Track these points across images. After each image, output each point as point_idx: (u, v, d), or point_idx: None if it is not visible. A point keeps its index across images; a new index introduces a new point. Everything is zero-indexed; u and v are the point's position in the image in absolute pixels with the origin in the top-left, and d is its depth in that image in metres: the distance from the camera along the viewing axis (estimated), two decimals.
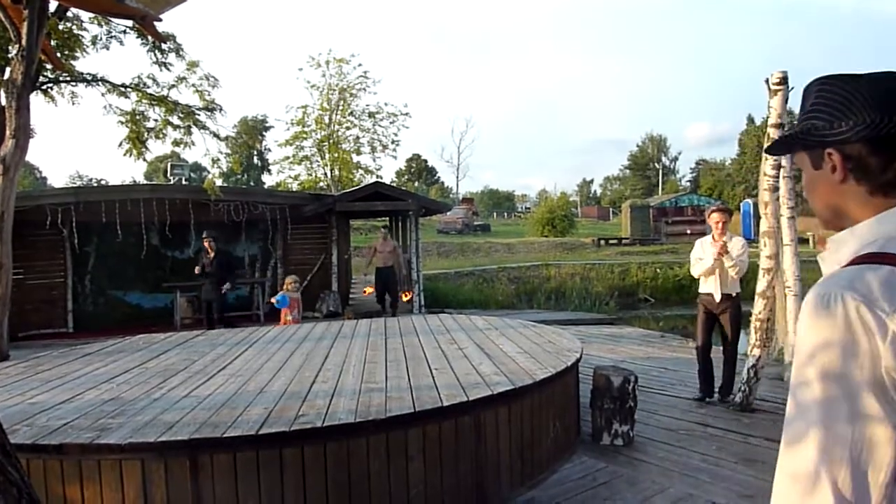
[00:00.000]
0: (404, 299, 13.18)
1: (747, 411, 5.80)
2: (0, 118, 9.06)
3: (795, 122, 1.12)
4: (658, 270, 22.83)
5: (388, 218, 20.64)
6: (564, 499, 4.01)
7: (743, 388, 5.88)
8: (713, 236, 5.99)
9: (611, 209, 67.77)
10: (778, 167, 5.88)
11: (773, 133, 5.76)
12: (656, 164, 77.02)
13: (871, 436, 0.88)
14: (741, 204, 38.66)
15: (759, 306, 5.89)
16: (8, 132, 7.68)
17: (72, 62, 11.55)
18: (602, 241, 34.32)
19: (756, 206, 31.31)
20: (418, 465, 3.58)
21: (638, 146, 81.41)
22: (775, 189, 5.89)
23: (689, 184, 72.06)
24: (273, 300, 9.62)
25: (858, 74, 1.04)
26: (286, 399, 3.95)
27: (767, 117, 5.93)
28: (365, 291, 13.45)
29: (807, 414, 0.92)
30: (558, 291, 20.69)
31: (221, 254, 11.17)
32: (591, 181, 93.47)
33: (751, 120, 56.84)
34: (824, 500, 0.88)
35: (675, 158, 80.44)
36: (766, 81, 5.80)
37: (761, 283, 5.90)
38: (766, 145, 4.97)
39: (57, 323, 13.12)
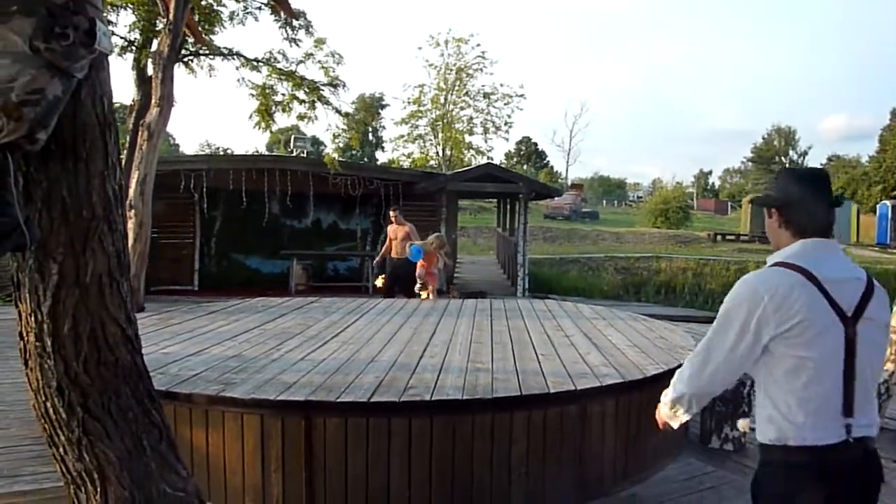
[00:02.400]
0: (423, 296, 10.05)
1: None
2: (147, 88, 9.77)
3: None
4: None
5: (496, 200, 20.62)
6: (668, 499, 3.90)
7: None
8: None
9: (729, 203, 64.47)
10: None
11: None
12: (783, 158, 72.39)
13: (738, 335, 1.78)
14: (878, 206, 35.78)
15: None
16: (153, 101, 8.29)
17: (211, 36, 12.24)
18: (718, 236, 32.80)
19: (895, 208, 28.96)
20: (521, 448, 3.59)
21: (763, 138, 76.73)
22: None
23: None
24: (407, 249, 9.06)
25: (790, 168, 2.25)
26: (396, 370, 4.06)
27: None
28: (376, 285, 10.88)
29: (713, 330, 1.86)
30: (668, 286, 20.02)
31: None
32: (710, 172, 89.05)
33: (895, 114, 52.16)
34: (699, 364, 1.88)
35: (805, 153, 75.20)
36: None
37: None
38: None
39: (184, 280, 14.08)
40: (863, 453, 1.77)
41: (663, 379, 4.24)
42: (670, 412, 2.00)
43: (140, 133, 8.42)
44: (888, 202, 33.24)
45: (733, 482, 4.19)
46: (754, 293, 1.77)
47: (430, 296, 9.12)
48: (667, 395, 2.02)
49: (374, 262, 10.43)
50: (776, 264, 1.85)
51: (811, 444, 1.72)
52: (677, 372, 1.99)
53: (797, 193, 1.89)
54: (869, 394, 1.80)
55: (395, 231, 10.11)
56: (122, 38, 11.98)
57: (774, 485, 1.80)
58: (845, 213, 35.49)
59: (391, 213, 10.26)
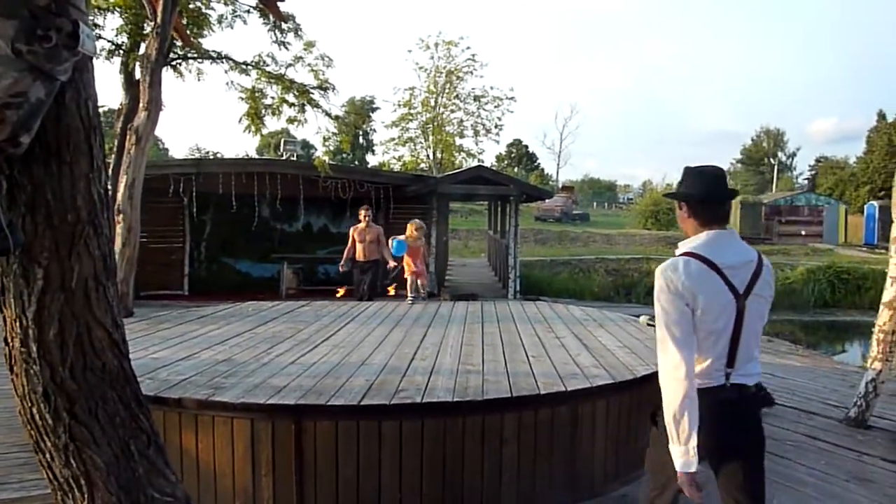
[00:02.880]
0: (391, 292, 10.06)
1: (862, 427, 5.42)
2: (134, 91, 9.73)
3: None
4: None
5: (487, 202, 20.64)
6: None
7: (859, 402, 5.50)
8: None
9: None
10: None
11: None
12: (771, 160, 72.83)
13: (679, 314, 2.17)
14: (865, 206, 36.03)
15: (884, 317, 5.47)
16: (141, 104, 8.24)
17: (199, 40, 12.21)
18: None
19: (882, 209, 29.19)
20: (512, 449, 3.59)
21: (752, 140, 77.18)
22: None
23: (805, 182, 67.79)
24: (389, 243, 8.87)
25: (694, 167, 2.39)
26: (386, 373, 4.05)
27: None
28: (337, 293, 10.52)
29: (659, 317, 2.21)
30: None
31: None
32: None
33: (882, 116, 52.57)
34: (671, 346, 2.16)
35: (793, 154, 75.72)
36: None
37: (888, 293, 5.47)
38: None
39: (174, 285, 14.02)
40: (738, 395, 2.27)
41: (654, 379, 4.25)
42: (681, 442, 2.14)
43: (128, 137, 8.37)
44: (875, 203, 33.44)
45: None
46: (670, 280, 2.19)
47: (421, 291, 9.04)
48: (670, 415, 2.16)
49: (340, 265, 9.48)
50: (685, 254, 2.24)
51: (701, 387, 2.19)
52: (667, 408, 2.17)
53: (701, 189, 2.30)
54: (748, 353, 2.28)
55: (364, 233, 9.32)
56: (109, 41, 11.95)
57: None
58: (833, 213, 35.73)
59: (361, 213, 9.38)
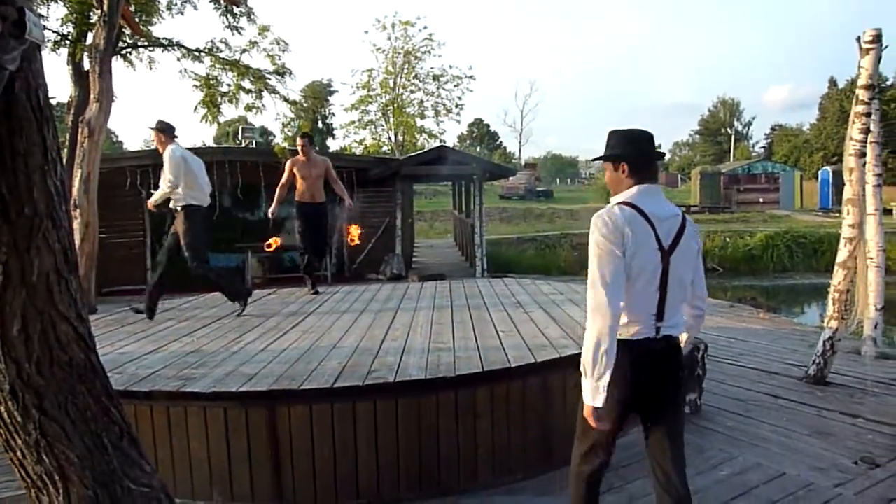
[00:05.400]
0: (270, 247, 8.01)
1: (821, 384, 5.62)
2: (84, 83, 9.46)
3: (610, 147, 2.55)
4: (728, 239, 22.17)
5: (451, 182, 20.62)
6: (629, 463, 4.01)
7: (817, 361, 5.70)
8: None
9: (679, 176, 65.75)
10: (866, 131, 5.56)
11: (863, 95, 5.45)
12: (728, 130, 74.09)
13: (612, 257, 2.28)
14: (819, 171, 36.96)
15: (838, 276, 5.66)
16: (92, 96, 8.02)
17: (149, 27, 11.89)
18: None
19: (835, 173, 29.98)
20: (486, 423, 3.65)
21: (709, 110, 78.32)
22: (862, 155, 5.59)
23: (762, 150, 69.17)
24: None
25: (625, 130, 2.54)
26: (358, 355, 4.07)
27: (857, 78, 5.60)
28: (269, 245, 8.24)
29: (592, 259, 2.32)
30: None
31: None
32: (659, 146, 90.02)
33: (833, 83, 53.79)
34: (600, 286, 2.27)
35: (749, 123, 77.11)
36: (858, 40, 5.48)
37: (842, 253, 5.66)
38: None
39: (136, 280, 13.73)
40: (666, 345, 2.42)
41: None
42: (593, 378, 2.28)
43: (80, 130, 8.15)
44: (829, 168, 34.34)
45: (691, 443, 4.31)
46: (605, 223, 2.32)
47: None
48: (587, 351, 2.28)
49: (269, 211, 7.20)
50: (619, 203, 2.40)
51: (632, 338, 2.36)
52: (589, 312, 2.30)
53: (639, 149, 2.50)
54: (675, 306, 2.42)
55: (305, 167, 7.21)
56: (55, 32, 11.57)
57: (617, 368, 2.29)
58: (789, 179, 36.56)
59: (299, 142, 7.31)
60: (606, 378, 2.25)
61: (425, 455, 3.57)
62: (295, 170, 7.19)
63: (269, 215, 7.21)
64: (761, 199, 34.45)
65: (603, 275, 2.28)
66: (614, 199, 2.46)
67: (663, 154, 2.74)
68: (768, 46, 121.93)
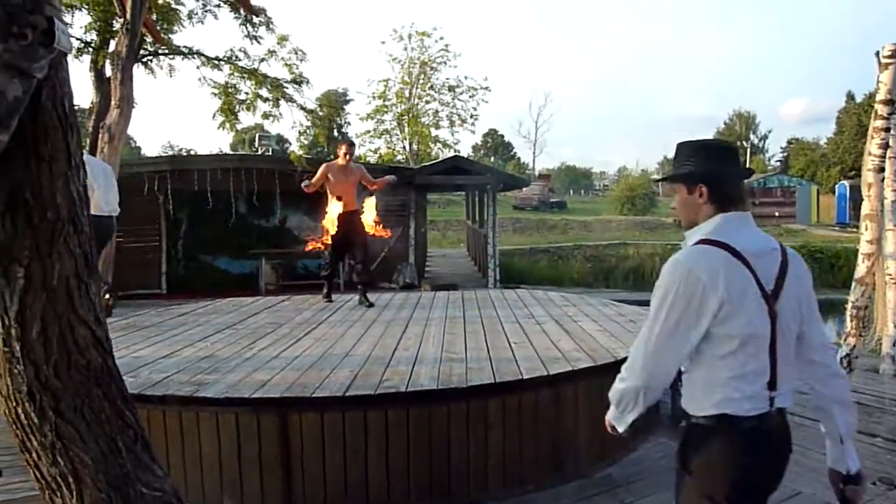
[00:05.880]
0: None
1: None
2: (105, 89, 9.59)
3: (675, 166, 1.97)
4: None
5: (465, 192, 20.65)
6: (641, 478, 3.99)
7: None
8: None
9: None
10: (885, 147, 5.51)
11: (882, 110, 5.41)
12: (744, 143, 73.68)
13: (686, 323, 1.74)
14: (836, 186, 36.65)
15: (856, 293, 5.60)
16: (113, 102, 8.14)
17: (170, 35, 12.05)
18: None
19: (853, 188, 29.73)
20: (498, 434, 3.64)
21: (725, 123, 77.90)
22: (880, 170, 5.54)
23: (778, 164, 68.69)
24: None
25: (701, 142, 1.96)
26: (370, 364, 4.07)
27: (875, 92, 5.56)
28: (322, 242, 7.65)
29: (656, 317, 1.77)
30: (636, 272, 20.30)
31: None
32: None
33: (851, 97, 53.35)
34: (650, 353, 1.78)
35: (765, 137, 76.56)
36: (877, 54, 5.44)
37: (860, 269, 5.60)
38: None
39: (152, 284, 13.87)
40: (781, 420, 1.85)
41: None
42: (618, 412, 1.89)
43: (101, 136, 8.28)
44: (846, 182, 34.06)
45: None
46: (689, 274, 1.73)
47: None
48: (615, 393, 1.89)
49: (304, 184, 6.95)
50: (702, 242, 1.81)
51: (743, 415, 1.76)
52: (623, 368, 1.88)
53: (721, 167, 1.90)
54: (789, 364, 1.84)
55: (342, 173, 6.83)
56: (78, 39, 11.77)
57: (708, 454, 1.81)
58: (805, 194, 36.30)
59: (344, 149, 6.95)
60: (633, 417, 1.86)
61: (436, 465, 3.56)
62: (330, 175, 6.82)
63: (303, 187, 6.92)
64: (777, 213, 34.23)
65: (654, 337, 1.77)
66: (691, 235, 1.89)
67: (752, 171, 2.15)
68: (785, 59, 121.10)
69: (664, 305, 1.75)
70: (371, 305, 6.73)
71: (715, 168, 1.88)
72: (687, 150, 1.94)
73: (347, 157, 6.89)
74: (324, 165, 6.95)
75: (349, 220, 6.92)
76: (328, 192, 6.91)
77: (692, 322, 1.73)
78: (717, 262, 1.73)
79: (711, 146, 1.95)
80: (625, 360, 3.61)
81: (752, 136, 75.46)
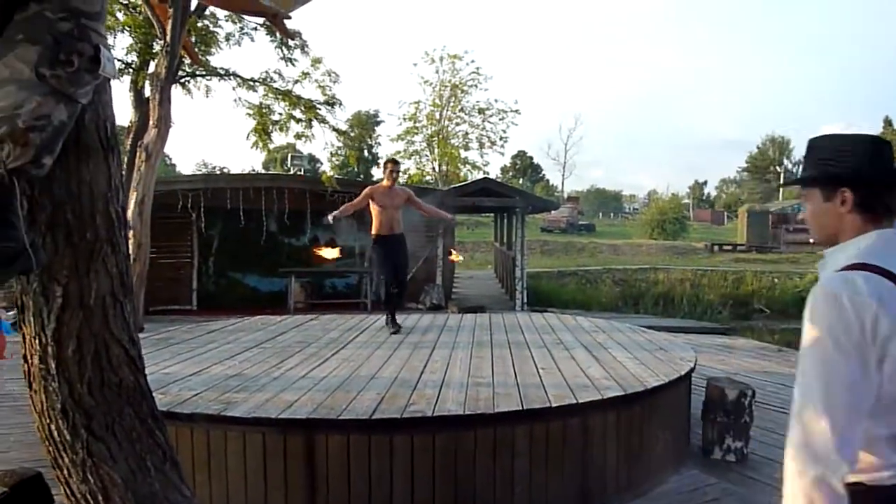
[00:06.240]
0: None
1: None
2: (144, 109, 9.83)
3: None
4: (776, 280, 21.63)
5: (493, 214, 20.65)
6: None
7: None
8: None
9: (725, 213, 64.68)
10: None
11: None
12: (777, 168, 72.67)
13: (850, 367, 1.27)
14: None
15: None
16: (151, 122, 8.34)
17: (207, 57, 12.34)
18: (716, 247, 32.86)
19: None
20: (524, 462, 3.59)
21: (758, 148, 77.05)
22: None
23: None
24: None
25: (852, 136, 1.50)
26: (397, 386, 4.06)
27: None
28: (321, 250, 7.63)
29: (811, 364, 1.32)
30: (666, 297, 20.03)
31: None
32: (705, 183, 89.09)
33: (888, 122, 52.49)
34: (823, 413, 1.27)
35: (799, 162, 75.23)
36: None
37: None
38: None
39: (182, 300, 14.08)
40: None
41: (664, 391, 4.26)
42: None
43: (138, 154, 8.47)
44: None
45: (736, 494, 4.19)
46: (838, 306, 1.29)
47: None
48: (799, 497, 1.28)
49: (331, 216, 6.50)
50: (856, 266, 1.34)
51: (886, 484, 1.34)
52: (793, 457, 1.31)
53: (874, 167, 1.44)
54: None
55: (387, 196, 6.50)
56: (119, 60, 12.11)
57: None
58: None
59: (389, 168, 6.68)
60: None
61: (461, 491, 3.52)
62: (374, 197, 6.48)
63: (329, 219, 6.50)
64: (812, 240, 33.34)
65: (830, 396, 1.27)
66: (834, 255, 1.47)
67: None
68: (820, 84, 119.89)
69: (824, 344, 1.30)
70: (398, 330, 6.45)
71: (866, 168, 1.43)
72: (826, 146, 1.51)
73: (393, 175, 6.61)
74: (367, 188, 6.69)
75: (393, 243, 6.59)
76: (372, 218, 6.62)
77: (877, 353, 1.28)
78: (874, 293, 1.28)
79: (860, 141, 1.48)
80: (655, 389, 3.43)
81: (785, 161, 74.39)
